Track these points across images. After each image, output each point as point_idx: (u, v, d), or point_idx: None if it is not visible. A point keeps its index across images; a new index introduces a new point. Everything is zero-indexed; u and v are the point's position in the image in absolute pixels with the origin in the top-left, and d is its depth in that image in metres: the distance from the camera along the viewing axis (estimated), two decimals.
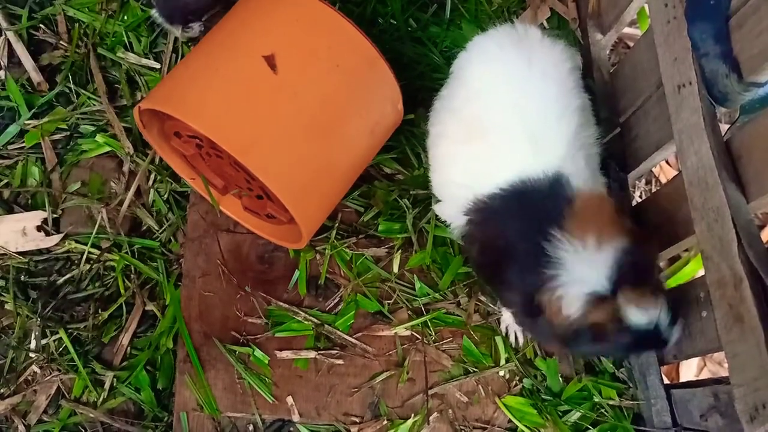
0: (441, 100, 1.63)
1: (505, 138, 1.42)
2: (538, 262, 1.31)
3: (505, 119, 1.43)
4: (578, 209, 1.34)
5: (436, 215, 1.70)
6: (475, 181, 1.44)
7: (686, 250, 1.97)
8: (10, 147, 1.86)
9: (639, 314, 1.27)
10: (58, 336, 1.68)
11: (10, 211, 1.80)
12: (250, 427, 1.63)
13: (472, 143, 1.46)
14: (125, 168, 1.83)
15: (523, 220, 1.37)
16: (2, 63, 1.93)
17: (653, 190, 2.17)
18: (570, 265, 1.29)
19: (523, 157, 1.39)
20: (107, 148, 1.84)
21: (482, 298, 1.71)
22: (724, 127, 1.32)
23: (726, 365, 1.26)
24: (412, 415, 1.63)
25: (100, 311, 1.71)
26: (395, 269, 1.73)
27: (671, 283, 1.97)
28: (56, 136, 1.87)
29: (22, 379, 1.67)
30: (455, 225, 1.55)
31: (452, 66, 1.65)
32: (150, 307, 1.72)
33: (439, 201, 1.63)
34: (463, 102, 1.53)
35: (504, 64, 1.49)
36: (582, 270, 1.29)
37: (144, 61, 1.93)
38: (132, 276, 1.74)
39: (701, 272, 1.38)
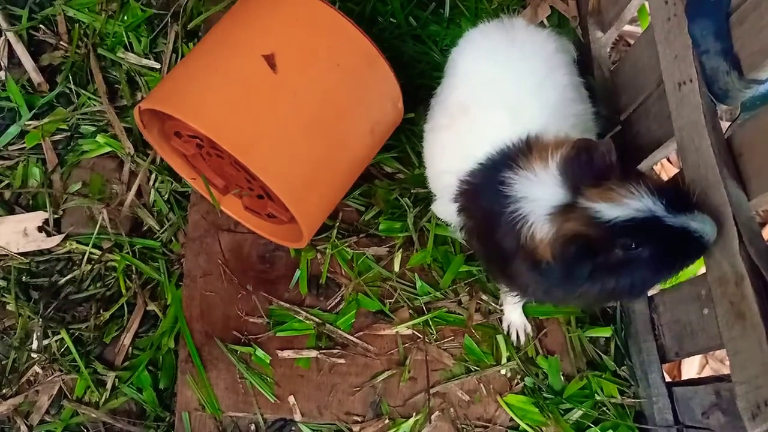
0: (434, 98, 1.65)
1: (485, 113, 1.41)
2: (509, 216, 1.24)
3: (485, 95, 1.43)
4: (535, 149, 1.29)
5: (437, 215, 1.70)
6: (460, 164, 1.41)
7: None
8: (10, 148, 1.86)
9: (612, 208, 1.15)
10: (59, 336, 1.68)
11: (12, 212, 1.80)
12: (252, 427, 1.64)
13: (455, 126, 1.46)
14: (126, 168, 1.83)
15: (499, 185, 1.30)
16: (2, 64, 1.93)
17: None
18: (526, 192, 1.23)
19: (501, 128, 1.35)
20: (108, 149, 1.84)
21: (483, 297, 1.71)
22: (724, 125, 1.32)
23: (728, 363, 1.25)
24: (414, 414, 1.63)
25: (101, 311, 1.71)
26: (396, 268, 1.73)
27: (672, 281, 1.97)
28: (57, 137, 1.88)
29: (24, 379, 1.67)
30: (452, 220, 1.54)
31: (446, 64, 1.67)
32: (151, 307, 1.73)
33: (435, 199, 1.63)
34: (448, 91, 1.54)
35: (487, 49, 1.52)
36: (536, 190, 1.22)
37: (144, 61, 1.93)
38: (133, 276, 1.74)
39: (703, 270, 1.38)
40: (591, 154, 1.20)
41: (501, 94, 1.41)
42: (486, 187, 1.34)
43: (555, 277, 1.22)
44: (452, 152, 1.47)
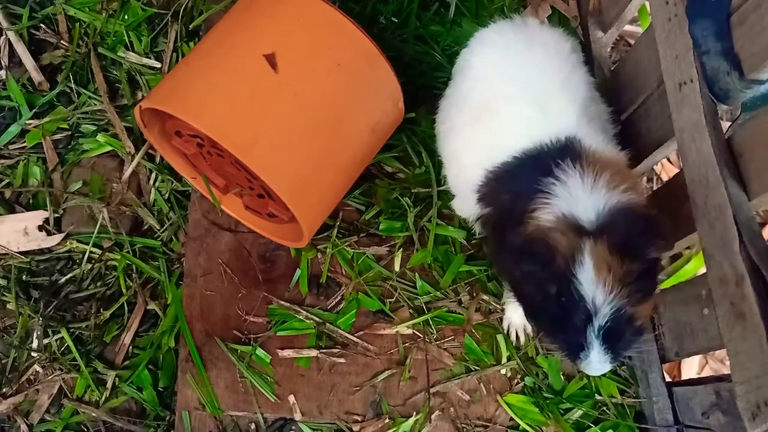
0: (446, 99, 1.64)
1: (512, 109, 1.42)
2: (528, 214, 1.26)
3: (510, 92, 1.43)
4: (591, 158, 1.31)
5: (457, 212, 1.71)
6: (485, 157, 1.42)
7: (688, 248, 1.97)
8: (11, 147, 1.86)
9: (587, 282, 1.15)
10: (60, 335, 1.68)
11: (12, 211, 1.80)
12: (252, 426, 1.64)
13: (480, 123, 1.46)
14: (126, 167, 1.83)
15: (534, 173, 1.31)
16: (3, 63, 1.93)
17: (654, 188, 2.17)
18: (569, 187, 1.24)
19: (531, 123, 1.38)
20: (108, 148, 1.84)
21: (484, 297, 1.71)
22: (725, 125, 1.32)
23: (728, 363, 1.25)
24: (414, 413, 1.63)
25: (101, 310, 1.71)
26: (396, 268, 1.73)
27: (672, 281, 1.98)
28: (57, 136, 1.88)
29: (24, 378, 1.67)
30: (472, 214, 1.53)
31: (455, 65, 1.66)
32: (152, 306, 1.73)
33: (455, 196, 1.64)
34: (467, 92, 1.54)
35: (505, 46, 1.52)
36: (577, 192, 1.24)
37: (145, 60, 1.93)
38: (133, 275, 1.74)
39: (703, 270, 1.38)
40: (646, 233, 1.19)
41: (527, 90, 1.42)
42: (516, 180, 1.36)
43: (510, 246, 1.27)
44: (479, 148, 1.47)
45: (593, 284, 1.15)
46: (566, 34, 1.58)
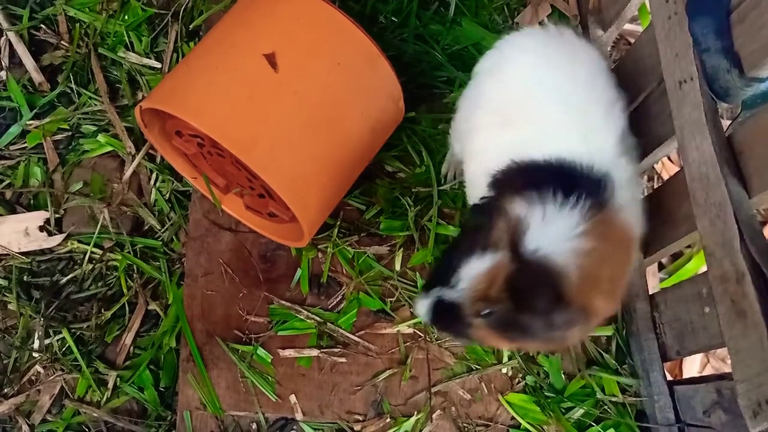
0: (467, 99, 1.58)
1: (556, 118, 1.37)
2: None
3: (554, 103, 1.39)
4: (601, 220, 1.24)
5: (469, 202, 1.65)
6: (512, 155, 1.37)
7: (689, 247, 1.97)
8: (12, 147, 1.86)
9: (471, 272, 1.20)
10: (61, 336, 1.68)
11: (13, 212, 1.80)
12: (254, 426, 1.64)
13: (511, 126, 1.41)
14: (127, 168, 1.83)
15: (553, 181, 1.27)
16: (3, 63, 1.93)
17: (655, 186, 2.17)
18: (553, 219, 1.21)
19: (573, 141, 1.33)
20: (109, 148, 1.85)
21: None
22: (725, 123, 1.32)
23: (729, 361, 1.25)
24: (415, 412, 1.63)
25: (102, 311, 1.71)
26: (397, 267, 1.73)
27: (673, 279, 1.98)
28: (58, 136, 1.88)
29: (25, 379, 1.68)
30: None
31: (479, 65, 1.60)
32: (153, 306, 1.73)
33: (470, 189, 1.58)
34: (497, 94, 1.49)
35: (546, 55, 1.46)
36: (552, 229, 1.20)
37: (145, 60, 1.93)
38: (134, 275, 1.74)
39: (704, 268, 1.37)
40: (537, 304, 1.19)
41: (570, 103, 1.37)
42: (533, 177, 1.32)
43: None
44: (506, 147, 1.41)
45: (474, 278, 1.19)
46: (600, 53, 1.55)
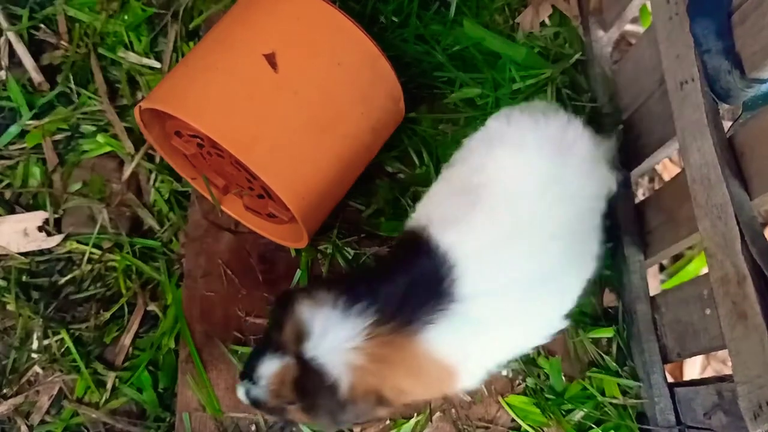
0: (445, 183, 1.51)
1: (489, 217, 1.32)
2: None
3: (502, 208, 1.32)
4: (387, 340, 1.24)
5: None
6: (434, 210, 1.39)
7: (690, 248, 1.97)
8: (11, 147, 1.86)
9: (268, 367, 1.27)
10: (60, 336, 1.68)
11: (12, 212, 1.80)
12: (253, 428, 1.63)
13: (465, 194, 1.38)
14: (126, 168, 1.82)
15: (411, 262, 1.30)
16: (3, 63, 1.93)
17: (656, 187, 2.16)
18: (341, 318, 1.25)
19: (484, 226, 1.31)
20: (108, 148, 1.84)
21: None
22: (726, 124, 1.32)
23: (730, 363, 1.25)
24: (415, 414, 1.62)
25: (101, 311, 1.71)
26: None
27: (674, 281, 1.97)
28: (57, 137, 1.87)
29: (24, 379, 1.67)
30: None
31: (462, 152, 1.50)
32: (152, 307, 1.72)
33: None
34: (473, 157, 1.44)
35: (532, 168, 1.35)
36: (336, 329, 1.24)
37: (144, 60, 1.93)
38: (133, 276, 1.74)
39: (705, 270, 1.37)
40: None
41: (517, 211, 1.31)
42: (405, 251, 1.37)
43: None
44: (439, 202, 1.42)
45: (269, 377, 1.27)
46: (608, 167, 1.47)
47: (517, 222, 1.30)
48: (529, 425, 1.61)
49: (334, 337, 1.23)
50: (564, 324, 1.40)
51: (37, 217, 1.78)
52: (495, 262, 1.29)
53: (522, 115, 1.42)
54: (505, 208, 1.31)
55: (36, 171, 1.83)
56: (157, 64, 1.93)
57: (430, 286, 1.26)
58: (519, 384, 1.65)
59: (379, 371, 1.24)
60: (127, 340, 1.69)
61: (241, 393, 1.33)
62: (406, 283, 1.27)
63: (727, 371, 1.93)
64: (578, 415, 1.62)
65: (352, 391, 1.24)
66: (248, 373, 1.30)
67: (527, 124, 1.40)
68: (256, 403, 1.32)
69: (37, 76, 1.91)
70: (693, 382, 1.58)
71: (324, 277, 1.67)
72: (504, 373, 1.66)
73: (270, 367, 1.26)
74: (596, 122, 1.81)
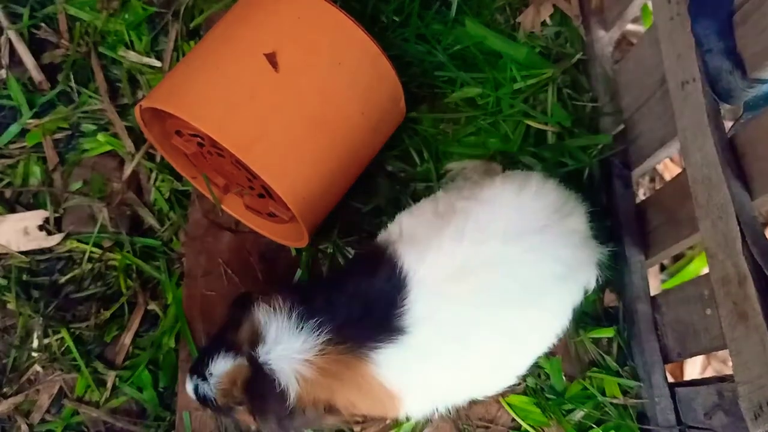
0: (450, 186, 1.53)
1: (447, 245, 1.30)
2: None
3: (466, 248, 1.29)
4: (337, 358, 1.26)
5: None
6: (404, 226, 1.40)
7: (690, 248, 1.97)
8: (11, 146, 1.86)
9: (220, 366, 1.28)
10: (60, 335, 1.68)
11: (12, 211, 1.80)
12: (253, 427, 1.63)
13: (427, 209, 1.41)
14: (126, 167, 1.82)
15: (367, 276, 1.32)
16: (3, 62, 1.92)
17: (657, 187, 2.16)
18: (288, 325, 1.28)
19: (425, 264, 1.29)
20: (109, 147, 1.84)
21: None
22: (728, 124, 1.32)
23: (730, 363, 1.25)
24: None
25: (102, 310, 1.71)
26: None
27: (675, 281, 1.97)
28: (58, 135, 1.87)
29: (24, 378, 1.67)
30: None
31: (476, 188, 1.44)
32: (152, 306, 1.72)
33: None
34: (454, 199, 1.41)
35: (517, 226, 1.32)
36: (286, 334, 1.27)
37: (145, 59, 1.93)
38: (134, 275, 1.74)
39: (705, 270, 1.37)
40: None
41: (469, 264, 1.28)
42: (364, 265, 1.38)
43: None
44: (418, 218, 1.42)
45: (221, 376, 1.29)
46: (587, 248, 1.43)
47: (482, 266, 1.28)
48: (529, 425, 1.61)
49: (288, 346, 1.25)
50: (516, 380, 1.43)
51: (38, 216, 1.78)
52: (450, 300, 1.28)
53: (529, 184, 1.38)
54: (474, 245, 1.29)
55: (36, 170, 1.83)
56: (157, 63, 1.92)
57: (384, 311, 1.27)
58: (519, 384, 1.65)
59: (329, 385, 1.26)
60: (127, 339, 1.69)
61: (189, 388, 1.34)
62: (363, 304, 1.28)
63: (728, 371, 1.93)
64: (579, 415, 1.62)
65: (301, 400, 1.26)
66: (199, 369, 1.31)
67: (530, 193, 1.36)
68: (203, 400, 1.33)
69: (37, 75, 1.91)
70: (693, 382, 1.58)
71: (288, 282, 1.69)
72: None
73: (222, 366, 1.28)
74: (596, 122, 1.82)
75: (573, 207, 1.38)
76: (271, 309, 1.28)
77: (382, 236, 1.41)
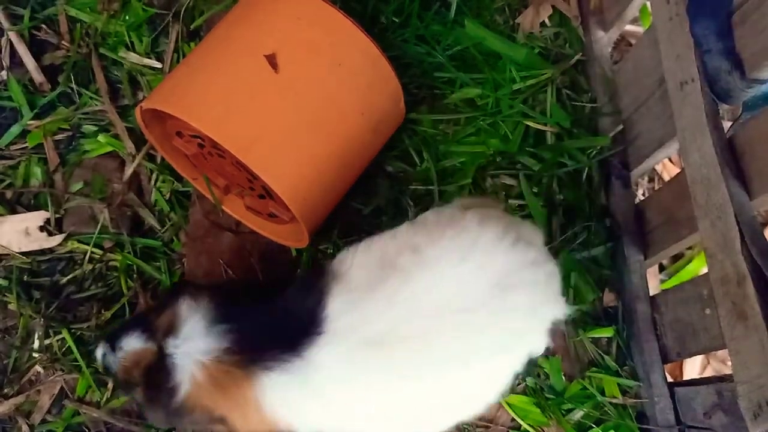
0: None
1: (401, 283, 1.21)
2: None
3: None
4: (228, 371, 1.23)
5: None
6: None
7: (690, 248, 1.97)
8: (12, 147, 1.86)
9: (129, 344, 1.30)
10: (61, 336, 1.68)
11: (13, 212, 1.80)
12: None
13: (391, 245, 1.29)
14: (127, 168, 1.83)
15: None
16: (4, 63, 1.93)
17: (656, 187, 2.17)
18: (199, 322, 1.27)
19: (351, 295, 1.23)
20: (109, 148, 1.84)
21: None
22: (726, 124, 1.32)
23: (729, 363, 1.25)
24: None
25: (103, 311, 1.71)
26: None
27: (674, 281, 1.97)
28: (58, 137, 1.87)
29: (25, 379, 1.67)
30: None
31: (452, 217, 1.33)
32: None
33: None
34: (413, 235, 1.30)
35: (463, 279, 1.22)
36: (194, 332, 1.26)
37: (146, 60, 1.93)
38: (134, 276, 1.74)
39: (704, 270, 1.37)
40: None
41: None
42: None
43: None
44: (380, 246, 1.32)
45: (127, 354, 1.31)
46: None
47: (405, 339, 1.19)
48: (529, 425, 1.61)
49: (194, 345, 1.24)
50: None
51: (39, 216, 1.78)
52: (359, 361, 1.20)
53: (475, 249, 1.23)
54: (402, 314, 1.19)
55: (37, 171, 1.83)
56: (158, 65, 1.93)
57: (290, 338, 1.21)
58: (519, 383, 1.66)
59: (213, 395, 1.24)
60: None
61: (99, 353, 1.36)
62: (273, 324, 1.25)
63: (727, 371, 1.94)
64: (578, 414, 1.62)
65: (189, 401, 1.25)
66: (113, 340, 1.33)
67: (474, 263, 1.22)
68: (106, 370, 1.36)
69: (38, 76, 1.91)
70: (693, 382, 1.59)
71: (221, 281, 1.69)
72: None
73: (132, 345, 1.29)
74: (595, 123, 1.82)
75: (521, 277, 1.22)
76: (194, 305, 1.28)
77: (336, 259, 1.32)
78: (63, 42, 1.96)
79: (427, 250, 1.23)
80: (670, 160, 2.17)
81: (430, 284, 1.19)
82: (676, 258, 2.05)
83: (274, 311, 1.28)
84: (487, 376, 1.27)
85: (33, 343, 1.69)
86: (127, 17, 1.96)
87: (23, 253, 1.75)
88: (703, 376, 1.98)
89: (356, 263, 1.28)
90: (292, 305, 1.26)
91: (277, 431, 1.26)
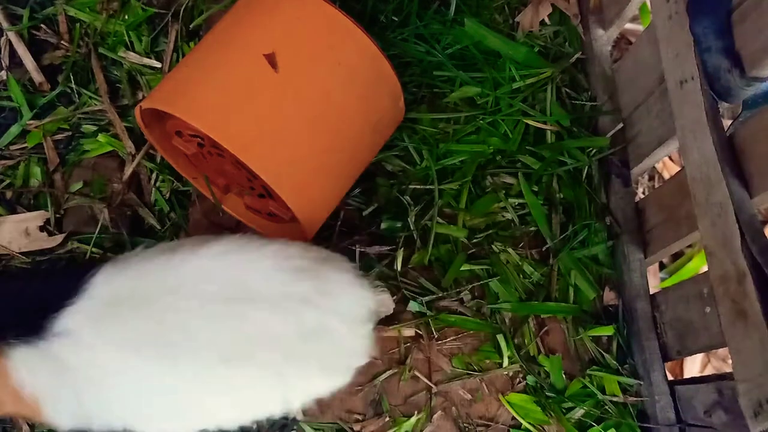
0: None
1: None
2: None
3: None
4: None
5: None
6: None
7: (690, 246, 1.97)
8: (12, 147, 1.86)
9: None
10: None
11: (13, 212, 1.80)
12: (254, 426, 1.63)
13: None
14: (127, 168, 1.83)
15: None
16: (4, 63, 1.93)
17: (656, 186, 2.17)
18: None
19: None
20: (109, 148, 1.84)
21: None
22: (726, 123, 1.32)
23: (730, 361, 1.25)
24: (416, 412, 1.62)
25: None
26: (398, 267, 1.73)
27: (674, 279, 1.98)
28: (58, 136, 1.87)
29: None
30: None
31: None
32: None
33: None
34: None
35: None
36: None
37: (145, 60, 1.93)
38: None
39: (705, 268, 1.37)
40: None
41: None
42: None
43: None
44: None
45: None
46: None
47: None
48: (529, 423, 1.62)
49: None
50: None
51: (39, 216, 1.78)
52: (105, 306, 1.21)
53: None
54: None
55: (37, 171, 1.83)
56: (157, 64, 1.93)
57: (39, 310, 1.20)
58: (519, 382, 1.66)
59: None
60: None
61: None
62: (25, 300, 1.24)
63: (728, 369, 1.94)
64: (579, 413, 1.63)
65: None
66: None
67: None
68: None
69: (37, 76, 1.91)
70: (693, 380, 1.59)
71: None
72: (504, 371, 1.66)
73: None
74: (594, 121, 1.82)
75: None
76: None
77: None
78: (62, 42, 1.96)
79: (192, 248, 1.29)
80: (670, 158, 2.18)
81: (187, 269, 1.23)
82: (676, 256, 2.05)
83: (27, 287, 1.28)
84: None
85: None
86: (126, 17, 1.96)
87: (23, 253, 1.75)
88: (703, 374, 1.98)
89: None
90: (51, 282, 1.29)
91: (31, 404, 1.24)
